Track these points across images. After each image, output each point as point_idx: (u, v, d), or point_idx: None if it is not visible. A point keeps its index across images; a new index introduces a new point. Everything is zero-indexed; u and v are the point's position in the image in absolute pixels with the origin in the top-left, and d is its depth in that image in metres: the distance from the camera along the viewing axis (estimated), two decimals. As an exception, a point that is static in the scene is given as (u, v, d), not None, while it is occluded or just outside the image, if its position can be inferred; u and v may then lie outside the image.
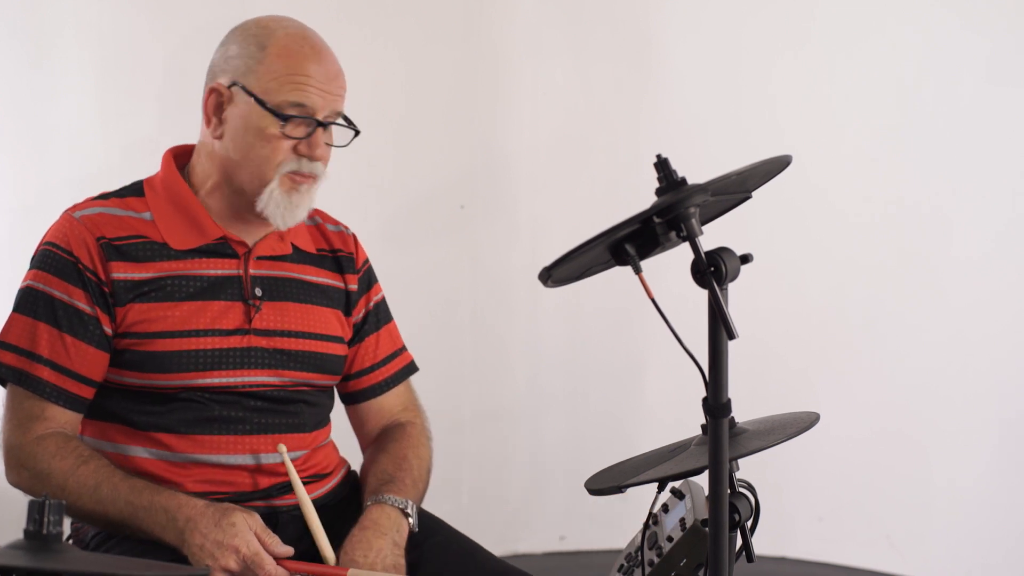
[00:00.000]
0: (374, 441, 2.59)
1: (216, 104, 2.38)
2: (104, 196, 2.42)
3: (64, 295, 2.32)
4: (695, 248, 1.83)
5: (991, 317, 4.23)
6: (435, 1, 4.38)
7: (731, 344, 1.84)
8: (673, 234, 1.84)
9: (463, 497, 4.44)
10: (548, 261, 1.83)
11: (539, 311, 4.52)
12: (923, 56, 4.28)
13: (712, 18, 4.45)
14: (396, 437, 2.55)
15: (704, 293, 1.83)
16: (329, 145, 2.39)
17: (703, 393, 1.86)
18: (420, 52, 4.33)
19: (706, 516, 1.91)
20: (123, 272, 2.33)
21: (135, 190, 2.44)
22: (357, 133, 2.42)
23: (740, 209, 2.08)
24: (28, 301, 2.34)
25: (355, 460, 2.61)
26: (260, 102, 2.33)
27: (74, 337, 2.31)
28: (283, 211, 2.37)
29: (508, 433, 4.55)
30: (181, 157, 2.48)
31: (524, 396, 4.56)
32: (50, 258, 2.34)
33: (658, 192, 1.84)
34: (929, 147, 4.27)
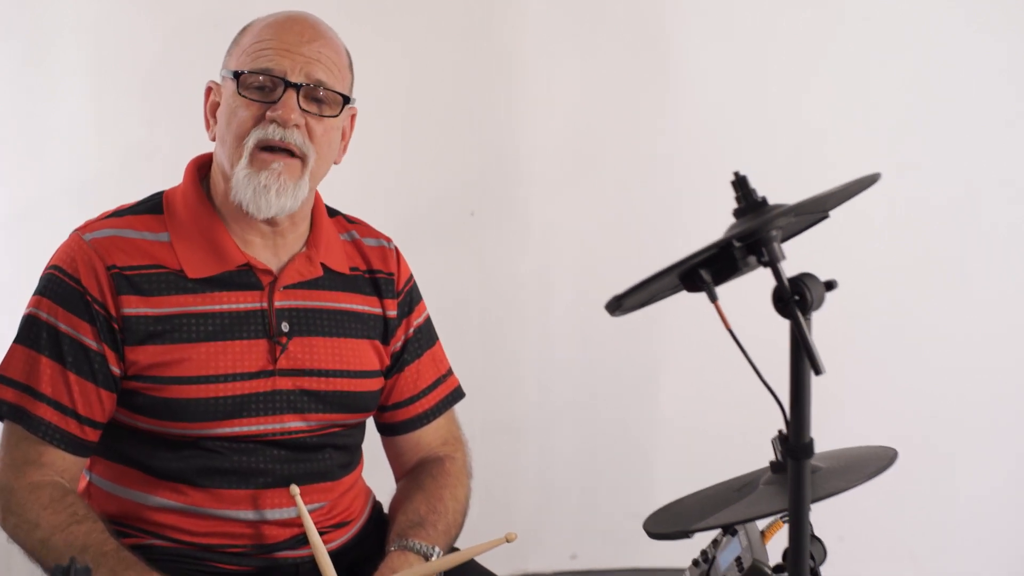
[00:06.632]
0: (410, 472, 2.44)
1: (213, 104, 2.23)
2: (119, 213, 2.24)
3: (70, 328, 2.14)
4: (777, 274, 1.72)
5: (1017, 326, 4.23)
6: (445, 1, 4.30)
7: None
8: (753, 259, 1.73)
9: (470, 512, 4.34)
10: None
11: (550, 320, 4.43)
12: (946, 50, 4.24)
13: (734, 16, 4.36)
14: (434, 474, 2.40)
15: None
16: (307, 112, 2.17)
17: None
18: (429, 53, 4.26)
19: (762, 555, 1.88)
20: (135, 307, 2.15)
21: (153, 206, 2.25)
22: (347, 100, 2.23)
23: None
24: (31, 331, 2.16)
25: (383, 488, 2.48)
26: (233, 77, 2.18)
27: (79, 375, 2.14)
28: (253, 192, 2.15)
29: (518, 445, 4.46)
30: (204, 168, 2.29)
31: (535, 407, 4.47)
32: (56, 284, 2.16)
33: (737, 213, 1.72)
34: (951, 143, 4.24)
